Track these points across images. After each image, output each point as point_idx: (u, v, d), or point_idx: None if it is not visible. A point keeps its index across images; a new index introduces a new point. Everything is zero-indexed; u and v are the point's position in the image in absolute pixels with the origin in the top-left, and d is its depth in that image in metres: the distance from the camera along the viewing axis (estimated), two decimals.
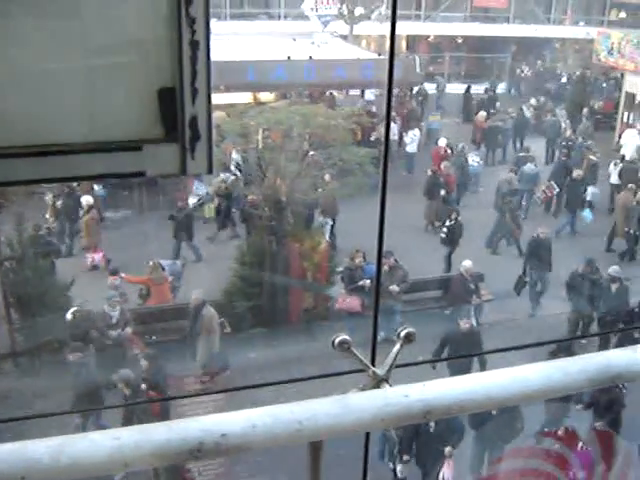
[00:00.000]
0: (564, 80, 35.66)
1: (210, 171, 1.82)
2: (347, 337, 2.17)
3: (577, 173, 20.53)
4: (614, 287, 14.59)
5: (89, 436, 1.75)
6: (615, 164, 22.12)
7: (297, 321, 14.59)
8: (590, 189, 20.88)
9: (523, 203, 21.39)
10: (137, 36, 1.70)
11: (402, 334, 2.22)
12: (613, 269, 14.88)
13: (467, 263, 15.32)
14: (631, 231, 18.54)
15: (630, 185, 19.48)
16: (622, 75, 31.34)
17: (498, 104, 30.23)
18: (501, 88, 35.86)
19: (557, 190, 20.96)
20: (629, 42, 28.91)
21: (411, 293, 15.49)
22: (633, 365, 2.48)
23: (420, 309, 15.75)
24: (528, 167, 21.89)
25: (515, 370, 2.30)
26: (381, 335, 13.79)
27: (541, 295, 16.18)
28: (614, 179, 21.68)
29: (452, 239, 17.32)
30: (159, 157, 1.78)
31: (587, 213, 20.13)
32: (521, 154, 23.71)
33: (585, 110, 27.57)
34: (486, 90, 32.49)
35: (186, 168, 1.80)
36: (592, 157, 22.35)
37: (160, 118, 1.74)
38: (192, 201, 19.15)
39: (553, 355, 9.91)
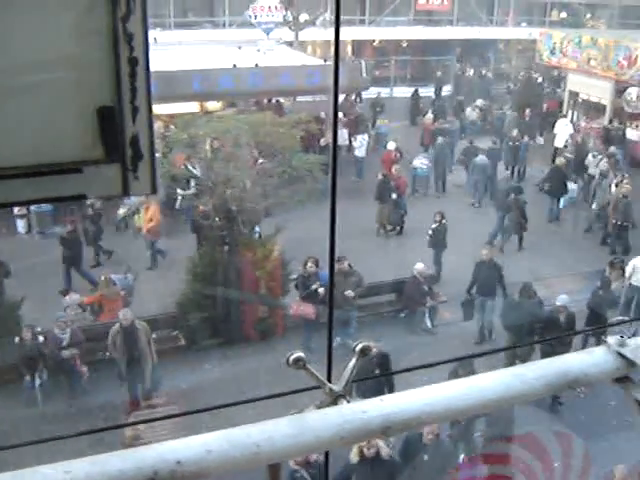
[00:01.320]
0: (509, 80, 36.10)
1: (154, 191, 1.77)
2: (301, 354, 2.13)
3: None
4: (562, 316, 13.52)
5: (40, 470, 1.68)
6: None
7: (252, 331, 14.50)
8: None
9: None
10: (73, 53, 1.64)
11: (358, 348, 2.18)
12: (561, 298, 13.80)
13: (420, 265, 15.39)
14: (618, 222, 19.06)
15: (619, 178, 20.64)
16: (560, 74, 31.89)
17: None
18: (447, 90, 36.22)
19: None
20: (571, 42, 29.42)
21: (366, 297, 15.49)
22: (589, 369, 2.48)
23: (375, 313, 15.75)
24: (479, 158, 22.76)
25: (473, 380, 2.28)
26: (337, 340, 13.87)
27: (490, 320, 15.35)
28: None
29: (437, 241, 17.39)
30: (100, 178, 1.72)
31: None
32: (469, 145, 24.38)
33: (527, 110, 27.97)
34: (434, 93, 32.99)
35: (129, 189, 1.75)
36: None
37: (100, 138, 1.69)
38: (122, 211, 18.97)
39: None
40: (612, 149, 23.66)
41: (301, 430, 1.94)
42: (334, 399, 2.11)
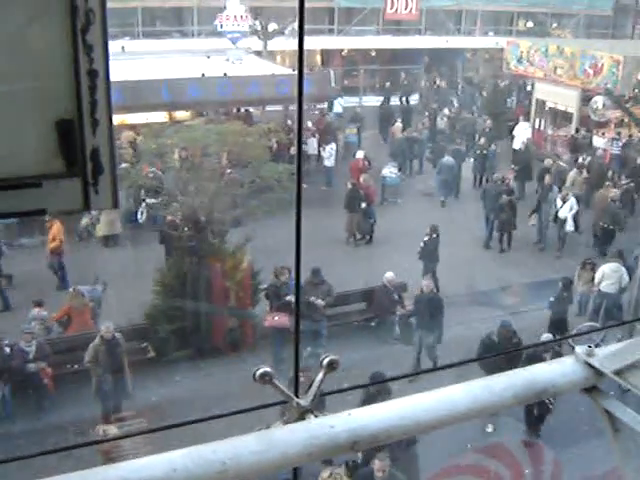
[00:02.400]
0: (477, 89, 36.35)
1: (115, 205, 1.74)
2: (268, 369, 2.10)
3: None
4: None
5: None
6: None
7: (222, 342, 14.41)
8: None
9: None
10: (32, 65, 1.61)
11: (325, 362, 2.16)
12: (546, 336, 13.10)
13: (389, 274, 15.41)
14: (605, 225, 19.60)
15: (607, 183, 21.82)
16: (527, 82, 32.20)
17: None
18: (415, 99, 36.42)
19: None
20: (537, 51, 29.74)
21: (336, 307, 15.47)
22: (557, 379, 2.48)
23: (345, 323, 15.72)
24: (446, 159, 23.71)
25: (441, 392, 2.27)
26: (307, 350, 13.83)
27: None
28: None
29: (427, 254, 17.30)
30: (60, 193, 1.69)
31: None
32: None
33: (492, 118, 28.31)
34: (401, 101, 33.12)
35: (90, 203, 1.71)
36: None
37: (60, 151, 1.65)
38: (84, 220, 18.85)
39: None
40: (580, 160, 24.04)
41: (268, 446, 1.92)
42: (301, 414, 2.08)
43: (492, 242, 20.34)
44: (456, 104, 33.94)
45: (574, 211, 19.76)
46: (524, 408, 11.07)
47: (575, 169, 22.37)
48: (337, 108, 32.89)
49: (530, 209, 20.53)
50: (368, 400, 9.90)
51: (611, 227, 19.31)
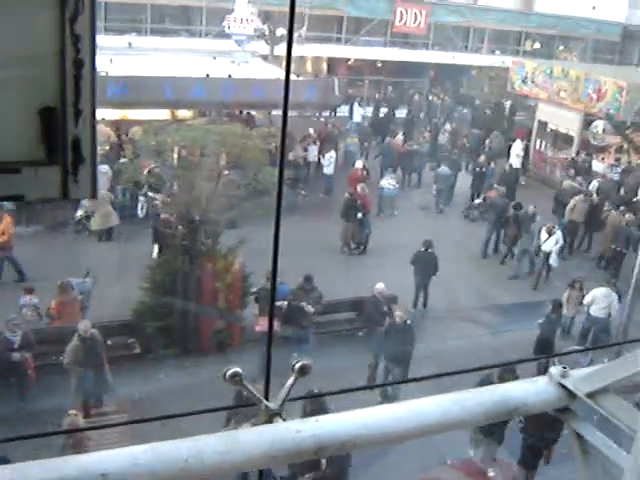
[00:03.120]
0: (480, 106, 36.45)
1: (94, 195, 1.74)
2: (239, 370, 2.10)
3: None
4: None
5: None
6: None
7: (209, 342, 14.39)
8: None
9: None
10: (16, 52, 1.60)
11: (296, 367, 2.16)
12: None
13: (380, 285, 15.39)
14: (617, 248, 19.87)
15: (621, 207, 21.66)
16: (530, 103, 32.29)
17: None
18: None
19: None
20: (542, 72, 29.83)
21: (325, 315, 15.47)
22: (529, 398, 2.48)
23: (334, 331, 15.72)
24: (442, 169, 24.63)
25: (411, 403, 2.27)
26: (294, 356, 13.77)
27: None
28: None
29: (425, 269, 17.29)
30: (39, 180, 1.69)
31: None
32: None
33: (487, 141, 28.53)
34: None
35: (68, 192, 1.71)
36: None
37: (41, 139, 1.65)
38: (79, 213, 18.84)
39: None
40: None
41: (232, 447, 1.91)
42: (269, 417, 2.08)
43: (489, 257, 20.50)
44: (458, 120, 34.04)
45: (559, 245, 19.38)
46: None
47: (581, 195, 21.98)
48: (356, 117, 33.16)
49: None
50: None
51: (624, 250, 19.49)
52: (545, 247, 19.33)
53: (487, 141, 28.59)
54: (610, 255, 20.37)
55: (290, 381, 2.16)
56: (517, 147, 28.06)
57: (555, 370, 2.56)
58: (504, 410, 2.42)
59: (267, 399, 2.14)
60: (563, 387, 2.52)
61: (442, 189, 24.48)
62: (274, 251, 2.18)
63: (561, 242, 19.42)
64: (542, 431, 10.49)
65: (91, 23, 1.64)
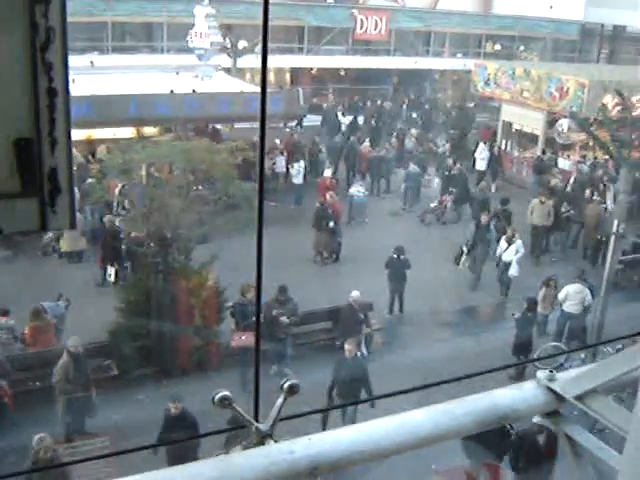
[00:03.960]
0: (444, 110, 36.68)
1: (73, 226, 1.71)
2: (227, 393, 2.07)
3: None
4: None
5: None
6: None
7: (187, 360, 14.28)
8: None
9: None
10: None
11: (285, 386, 2.13)
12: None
13: (355, 293, 15.39)
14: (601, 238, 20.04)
15: (596, 198, 22.10)
16: (493, 104, 32.57)
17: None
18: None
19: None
20: (504, 73, 30.09)
21: (302, 325, 15.42)
22: (518, 404, 2.48)
23: (311, 341, 15.68)
24: (412, 167, 25.28)
25: (402, 417, 2.26)
26: (273, 369, 13.76)
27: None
28: None
29: (398, 275, 17.30)
30: (16, 212, 1.66)
31: None
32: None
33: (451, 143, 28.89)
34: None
35: (47, 223, 1.69)
36: None
37: (17, 170, 1.62)
38: (47, 236, 18.65)
39: None
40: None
41: (226, 473, 1.89)
42: (261, 439, 2.06)
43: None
44: (423, 124, 34.26)
45: (520, 254, 18.63)
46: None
47: (536, 198, 21.69)
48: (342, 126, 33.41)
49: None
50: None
51: (605, 239, 19.49)
52: (505, 257, 18.68)
53: (451, 143, 28.86)
54: (594, 245, 20.78)
55: (279, 401, 2.14)
56: (481, 150, 28.23)
57: (542, 374, 2.56)
58: (494, 417, 2.42)
59: (257, 420, 2.12)
60: (551, 391, 2.52)
61: (411, 187, 25.12)
62: (257, 264, 2.15)
63: (522, 251, 18.72)
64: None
65: (63, 51, 1.62)
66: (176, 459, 9.41)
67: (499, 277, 18.85)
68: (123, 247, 17.58)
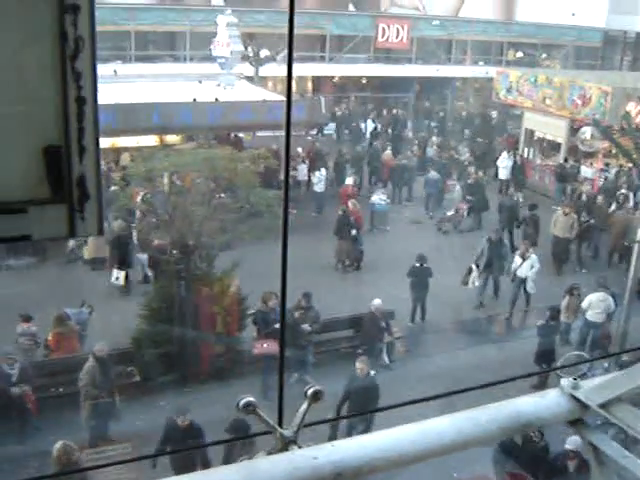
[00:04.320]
0: (467, 118, 36.61)
1: (101, 232, 1.74)
2: (252, 399, 2.09)
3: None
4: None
5: None
6: None
7: (209, 367, 14.32)
8: None
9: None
10: (20, 91, 1.61)
11: (309, 393, 2.14)
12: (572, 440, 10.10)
13: (377, 301, 15.38)
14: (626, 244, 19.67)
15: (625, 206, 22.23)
16: (516, 112, 32.43)
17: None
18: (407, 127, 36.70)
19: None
20: (526, 80, 29.98)
21: (323, 333, 15.42)
22: (542, 412, 2.47)
23: (333, 349, 15.67)
24: (432, 174, 25.70)
25: (425, 424, 2.26)
26: (294, 377, 13.77)
27: None
28: None
29: (421, 283, 17.28)
30: (46, 219, 1.69)
31: None
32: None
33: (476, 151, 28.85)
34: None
35: (75, 230, 1.71)
36: None
37: (46, 178, 1.65)
38: (72, 242, 18.75)
39: None
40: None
41: (250, 478, 1.90)
42: (285, 445, 2.07)
43: None
44: (446, 133, 34.24)
45: (535, 269, 18.01)
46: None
47: (560, 210, 21.45)
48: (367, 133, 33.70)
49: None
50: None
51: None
52: (520, 273, 18.05)
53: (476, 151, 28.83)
54: (621, 252, 20.61)
55: (304, 407, 2.15)
56: (503, 159, 28.18)
57: (566, 382, 2.55)
58: (517, 425, 2.41)
59: (281, 426, 2.13)
60: (575, 399, 2.51)
61: (431, 193, 25.38)
62: (282, 272, 2.17)
63: (537, 266, 18.05)
64: None
65: (92, 60, 1.65)
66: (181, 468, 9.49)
67: (514, 294, 18.14)
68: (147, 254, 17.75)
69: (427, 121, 37.45)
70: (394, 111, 37.25)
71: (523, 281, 18.03)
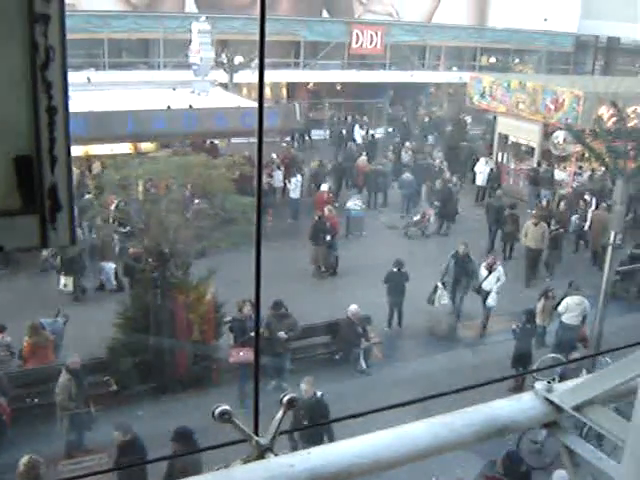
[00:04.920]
0: (441, 123, 36.76)
1: (73, 242, 1.73)
2: (227, 408, 2.08)
3: None
4: None
5: None
6: None
7: (186, 375, 14.24)
8: None
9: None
10: None
11: (284, 400, 2.14)
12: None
13: (354, 307, 15.41)
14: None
15: (603, 204, 22.38)
16: (489, 117, 32.64)
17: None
18: (380, 132, 36.83)
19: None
20: (500, 86, 30.20)
21: (301, 340, 15.42)
22: (517, 415, 2.48)
23: (310, 356, 15.66)
24: (406, 175, 26.18)
25: (401, 429, 2.27)
26: (272, 384, 13.75)
27: None
28: None
29: (397, 288, 17.29)
30: (17, 229, 1.67)
31: None
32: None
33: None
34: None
35: (47, 240, 1.70)
36: None
37: (17, 188, 1.64)
38: (45, 252, 18.59)
39: None
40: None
41: None
42: (261, 453, 2.07)
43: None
44: (419, 138, 34.38)
45: (501, 283, 17.50)
46: None
47: (529, 220, 21.10)
48: (357, 139, 33.59)
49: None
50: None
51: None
52: (485, 285, 17.56)
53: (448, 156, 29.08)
54: (601, 251, 20.38)
55: (279, 415, 2.15)
56: (481, 165, 28.26)
57: (540, 385, 2.57)
58: (493, 429, 2.42)
59: (257, 434, 2.13)
60: (549, 402, 2.53)
61: (407, 194, 25.82)
62: (256, 279, 2.16)
63: (503, 279, 17.54)
64: None
65: (62, 69, 1.64)
66: None
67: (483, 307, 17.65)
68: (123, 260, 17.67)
69: (402, 127, 37.49)
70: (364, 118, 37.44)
71: (488, 294, 17.50)
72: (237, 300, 14.13)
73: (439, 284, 17.49)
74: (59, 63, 1.63)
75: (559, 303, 16.25)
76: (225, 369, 14.41)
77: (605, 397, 2.50)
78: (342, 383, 14.48)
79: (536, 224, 20.59)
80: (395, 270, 17.20)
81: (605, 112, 24.44)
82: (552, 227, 21.33)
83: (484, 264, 17.84)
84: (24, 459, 9.78)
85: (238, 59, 31.34)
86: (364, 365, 15.58)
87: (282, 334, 14.45)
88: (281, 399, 2.15)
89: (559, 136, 26.90)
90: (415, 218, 24.11)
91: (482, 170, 27.97)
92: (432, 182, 25.75)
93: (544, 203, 24.13)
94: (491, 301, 17.42)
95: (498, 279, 17.49)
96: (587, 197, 24.19)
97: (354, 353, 15.55)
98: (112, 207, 17.84)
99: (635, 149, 17.70)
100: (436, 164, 28.69)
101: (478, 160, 28.66)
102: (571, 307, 15.93)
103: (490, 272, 17.57)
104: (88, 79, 28.22)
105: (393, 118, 39.29)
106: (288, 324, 14.65)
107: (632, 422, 1.74)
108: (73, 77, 27.46)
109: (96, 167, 22.92)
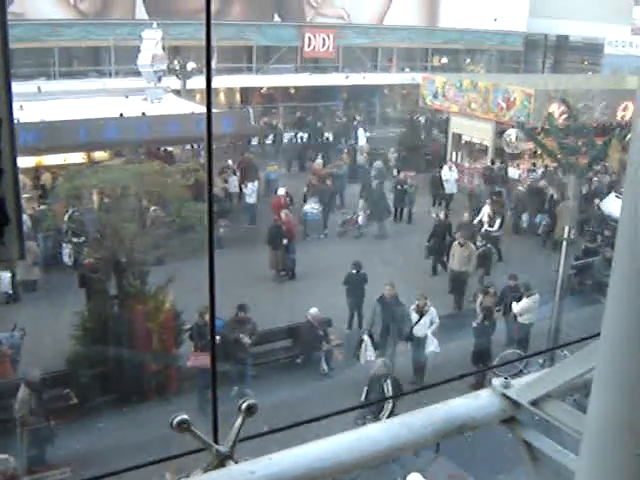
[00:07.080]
0: (394, 124, 36.96)
1: (22, 256, 1.70)
2: (185, 417, 2.07)
3: None
4: None
5: None
6: None
7: (146, 385, 14.12)
8: None
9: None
10: None
11: (243, 407, 2.13)
12: None
13: (314, 310, 15.41)
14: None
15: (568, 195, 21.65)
16: (448, 117, 32.92)
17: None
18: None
19: None
20: (452, 86, 30.48)
21: (261, 345, 15.36)
22: (475, 412, 2.50)
23: (271, 360, 15.62)
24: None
25: (361, 431, 2.27)
26: (234, 390, 13.68)
27: None
28: None
29: (357, 290, 17.23)
30: None
31: None
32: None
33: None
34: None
35: None
36: None
37: None
38: None
39: None
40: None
41: None
42: (221, 461, 2.06)
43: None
44: (374, 140, 34.50)
45: (435, 326, 15.34)
46: None
47: (456, 241, 19.31)
48: (361, 141, 33.51)
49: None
50: None
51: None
52: (417, 331, 15.29)
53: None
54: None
55: (238, 421, 2.14)
56: (446, 172, 27.24)
57: (497, 381, 2.59)
58: (452, 427, 2.44)
59: (216, 442, 2.12)
60: (507, 397, 2.55)
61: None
62: (210, 285, 2.15)
63: (437, 322, 15.35)
64: None
65: (6, 79, 1.61)
66: None
67: (413, 358, 15.38)
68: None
69: (357, 128, 37.59)
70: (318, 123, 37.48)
71: (423, 341, 15.28)
72: (198, 306, 14.03)
73: (365, 337, 15.27)
74: (2, 73, 1.60)
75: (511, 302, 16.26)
76: (187, 377, 14.31)
77: (562, 391, 2.53)
78: (304, 387, 14.47)
79: (462, 245, 18.83)
80: (354, 272, 17.24)
81: (556, 109, 24.82)
82: (479, 243, 20.54)
83: (413, 307, 15.46)
84: None
85: (191, 65, 31.18)
86: (325, 368, 15.57)
87: (245, 339, 14.40)
88: (240, 406, 2.14)
89: (511, 134, 27.21)
90: (345, 218, 24.18)
91: (448, 177, 26.87)
92: (381, 183, 25.68)
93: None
94: (432, 347, 15.20)
95: (432, 322, 15.37)
96: (550, 192, 24.17)
97: (315, 356, 15.55)
98: (65, 217, 17.62)
99: (586, 145, 17.99)
100: (391, 165, 28.82)
101: (441, 167, 28.20)
102: (527, 309, 15.96)
103: (422, 315, 15.35)
104: (39, 88, 27.91)
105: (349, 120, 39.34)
106: (248, 329, 14.60)
107: (587, 414, 1.76)
108: (23, 87, 27.21)
109: (45, 179, 22.61)
